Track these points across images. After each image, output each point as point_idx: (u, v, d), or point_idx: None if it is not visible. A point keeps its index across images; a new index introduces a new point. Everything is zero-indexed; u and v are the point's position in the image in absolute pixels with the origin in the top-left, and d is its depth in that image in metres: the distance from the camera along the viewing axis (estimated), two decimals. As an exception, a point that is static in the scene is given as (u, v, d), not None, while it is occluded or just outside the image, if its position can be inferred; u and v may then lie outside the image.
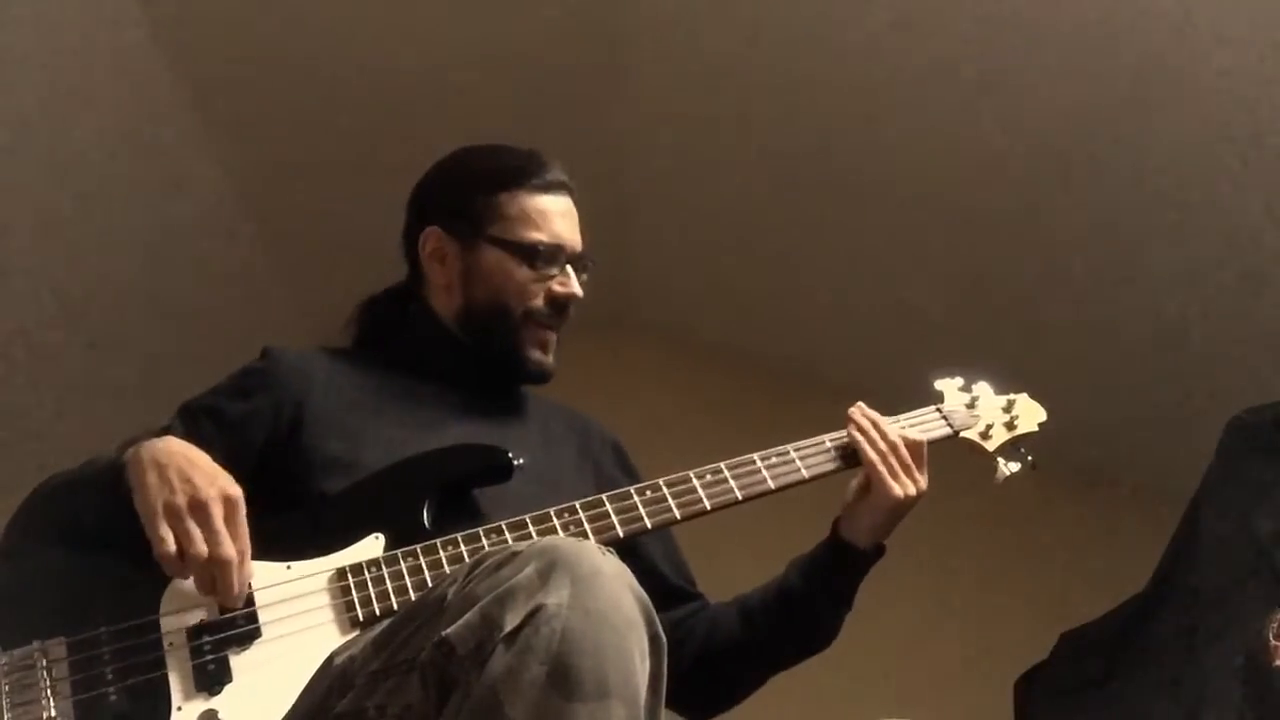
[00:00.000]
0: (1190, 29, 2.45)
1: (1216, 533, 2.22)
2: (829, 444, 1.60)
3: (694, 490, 1.50)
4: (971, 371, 1.78)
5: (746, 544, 2.32)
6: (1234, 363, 2.92)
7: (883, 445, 1.57)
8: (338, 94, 2.92)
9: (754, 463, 1.55)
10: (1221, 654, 2.07)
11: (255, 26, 2.75)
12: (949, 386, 1.75)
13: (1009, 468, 1.70)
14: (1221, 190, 2.70)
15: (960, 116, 2.83)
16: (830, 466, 1.59)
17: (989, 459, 1.70)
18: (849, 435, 1.59)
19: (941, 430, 1.68)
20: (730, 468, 1.54)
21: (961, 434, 1.69)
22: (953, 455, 1.69)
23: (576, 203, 1.73)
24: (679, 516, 1.49)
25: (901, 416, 1.66)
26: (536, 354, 1.66)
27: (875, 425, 1.58)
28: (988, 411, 1.72)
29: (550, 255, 1.66)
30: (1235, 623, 2.08)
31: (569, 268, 1.68)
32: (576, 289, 1.68)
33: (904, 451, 1.57)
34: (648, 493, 1.49)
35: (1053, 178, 2.85)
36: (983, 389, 1.75)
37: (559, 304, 1.67)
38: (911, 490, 1.55)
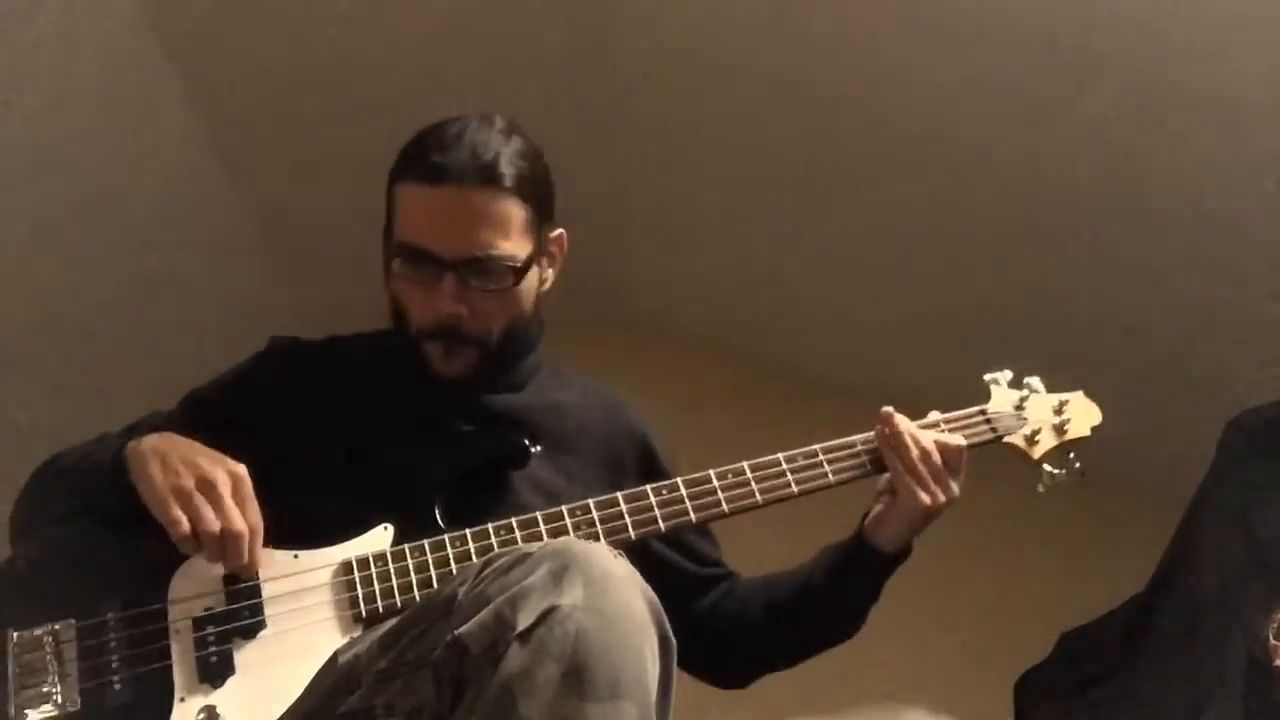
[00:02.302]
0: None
1: (1216, 533, 2.22)
2: (860, 446, 1.52)
3: (713, 493, 1.45)
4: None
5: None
6: (1234, 363, 2.93)
7: (914, 453, 1.48)
8: (337, 95, 2.92)
9: (779, 464, 1.49)
10: (1222, 654, 2.08)
11: (254, 25, 2.75)
12: (998, 382, 1.65)
13: (1053, 477, 1.62)
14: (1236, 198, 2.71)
15: (964, 117, 2.84)
16: (859, 471, 1.51)
17: (1034, 466, 1.61)
18: (877, 440, 1.51)
19: (984, 435, 1.59)
20: (753, 469, 1.48)
21: (1005, 439, 1.60)
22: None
23: (500, 184, 1.42)
24: (695, 520, 1.45)
25: (944, 417, 1.57)
26: (436, 365, 1.49)
27: (907, 433, 1.49)
28: (1036, 413, 1.62)
29: (412, 259, 1.43)
30: (1235, 623, 2.08)
31: (450, 276, 1.42)
32: (444, 306, 1.43)
33: (936, 459, 1.48)
34: (664, 492, 1.44)
35: (1056, 181, 2.86)
36: (1034, 386, 1.65)
37: (433, 325, 1.45)
38: (940, 498, 1.47)
